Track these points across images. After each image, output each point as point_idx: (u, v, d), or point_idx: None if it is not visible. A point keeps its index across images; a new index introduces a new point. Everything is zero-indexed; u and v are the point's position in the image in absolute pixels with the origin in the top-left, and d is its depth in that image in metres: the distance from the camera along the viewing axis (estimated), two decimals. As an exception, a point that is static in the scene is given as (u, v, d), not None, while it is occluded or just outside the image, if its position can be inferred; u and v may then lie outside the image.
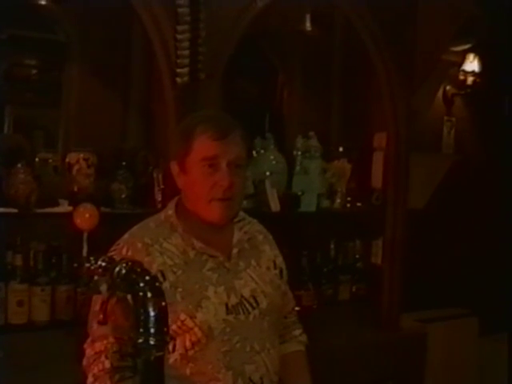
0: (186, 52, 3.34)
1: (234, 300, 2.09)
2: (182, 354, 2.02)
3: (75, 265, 3.38)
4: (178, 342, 2.01)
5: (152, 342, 1.37)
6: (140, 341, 1.37)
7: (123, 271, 1.45)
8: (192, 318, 2.01)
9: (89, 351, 2.04)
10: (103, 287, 1.53)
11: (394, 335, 4.51)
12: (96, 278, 1.55)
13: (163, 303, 1.40)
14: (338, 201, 4.41)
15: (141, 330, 1.37)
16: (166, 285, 1.98)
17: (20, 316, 3.29)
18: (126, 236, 2.15)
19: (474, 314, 5.30)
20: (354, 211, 4.52)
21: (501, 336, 5.37)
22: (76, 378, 3.01)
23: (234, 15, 3.55)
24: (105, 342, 1.99)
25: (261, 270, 2.23)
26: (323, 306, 4.31)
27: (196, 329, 2.00)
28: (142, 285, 1.41)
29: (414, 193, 4.68)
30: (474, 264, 5.50)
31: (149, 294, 1.39)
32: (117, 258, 1.92)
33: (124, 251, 2.06)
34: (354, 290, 4.51)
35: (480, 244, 5.58)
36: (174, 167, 2.16)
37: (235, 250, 2.18)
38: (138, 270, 1.45)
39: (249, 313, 2.11)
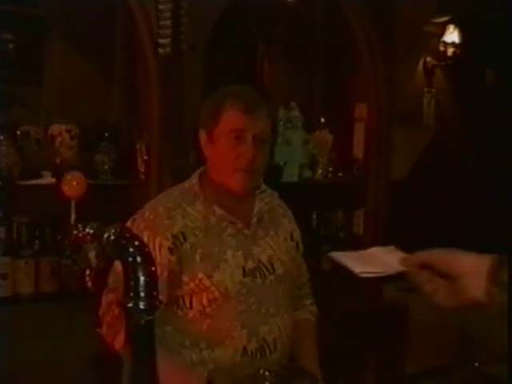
0: (168, 22, 3.34)
1: (251, 264, 2.19)
2: (200, 311, 2.13)
3: (59, 237, 3.38)
4: (194, 299, 2.14)
5: (142, 307, 1.37)
6: (130, 305, 1.37)
7: (112, 237, 1.45)
8: (209, 277, 2.12)
9: (103, 302, 2.09)
10: (92, 254, 1.54)
11: (377, 305, 4.55)
12: (85, 245, 1.55)
13: (153, 268, 1.40)
14: (320, 171, 4.43)
15: (131, 294, 1.37)
16: (186, 246, 2.13)
17: (4, 289, 3.30)
18: (151, 202, 2.27)
19: (455, 284, 5.35)
20: (335, 182, 4.53)
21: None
22: (61, 350, 3.06)
23: (217, -15, 3.55)
24: (117, 292, 1.98)
25: (278, 240, 2.31)
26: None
27: (213, 288, 2.12)
28: (131, 250, 1.40)
29: (395, 164, 4.70)
30: (455, 233, 5.54)
31: (138, 259, 1.39)
32: (140, 223, 2.15)
33: (146, 215, 2.18)
34: (336, 260, 4.52)
35: (461, 213, 5.63)
36: (203, 136, 2.24)
37: (254, 219, 2.26)
38: (127, 235, 1.44)
39: (265, 277, 2.21)
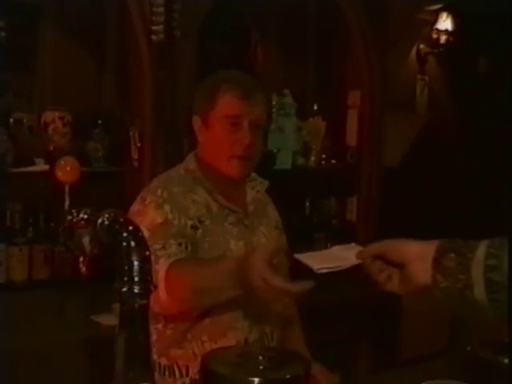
0: (161, 9, 3.34)
1: None
2: None
3: (52, 224, 3.38)
4: None
5: (136, 291, 1.38)
6: (124, 290, 1.38)
7: (106, 222, 1.45)
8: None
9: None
10: (86, 239, 1.54)
11: (369, 292, 4.55)
12: (78, 230, 1.55)
13: (147, 252, 1.41)
14: (313, 158, 4.44)
15: (125, 278, 1.38)
16: (199, 232, 2.08)
17: (-2, 276, 3.30)
18: (155, 183, 2.18)
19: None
20: (328, 169, 4.54)
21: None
22: (55, 336, 3.06)
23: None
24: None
25: (271, 229, 2.33)
26: (298, 263, 4.33)
27: None
28: (125, 235, 1.41)
29: (388, 151, 4.72)
30: (448, 221, 5.56)
31: (132, 244, 1.40)
32: (155, 199, 2.07)
33: (159, 192, 2.10)
34: (329, 247, 4.52)
35: (454, 201, 5.64)
36: (197, 121, 2.20)
37: (251, 208, 2.25)
38: (121, 220, 1.45)
39: None
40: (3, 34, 3.75)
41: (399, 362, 4.57)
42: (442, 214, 5.52)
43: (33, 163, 3.41)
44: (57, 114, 3.45)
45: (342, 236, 4.58)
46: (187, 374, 2.11)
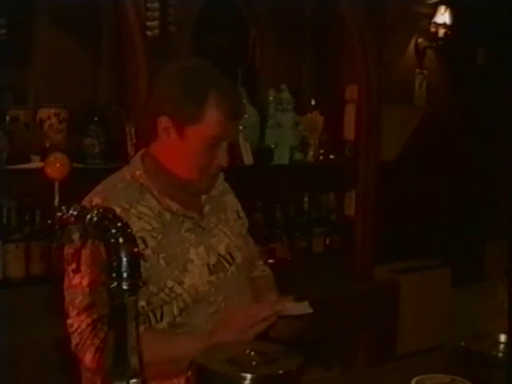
0: (156, 5, 3.34)
1: (213, 259, 2.05)
2: (170, 322, 1.97)
3: (49, 221, 3.38)
4: (165, 309, 1.96)
5: (125, 287, 1.38)
6: (113, 286, 1.38)
7: (95, 218, 1.45)
8: (180, 283, 1.95)
9: (79, 325, 1.90)
10: (75, 236, 1.53)
11: (368, 286, 4.57)
12: (69, 227, 1.55)
13: (135, 249, 1.40)
14: (311, 153, 4.43)
15: (113, 275, 1.38)
16: (148, 252, 1.91)
17: (-5, 273, 3.31)
18: (97, 200, 1.93)
19: (446, 265, 5.36)
20: (326, 163, 4.53)
21: (473, 287, 5.45)
22: (52, 332, 3.06)
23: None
24: (95, 309, 1.86)
25: (230, 224, 2.19)
26: (297, 258, 4.35)
27: (185, 295, 1.96)
28: (113, 231, 1.41)
29: (386, 145, 4.71)
30: (447, 215, 5.56)
31: (120, 240, 1.39)
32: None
33: None
34: (327, 242, 4.54)
35: (452, 195, 5.64)
36: (165, 123, 1.96)
37: (207, 208, 2.11)
38: (110, 216, 1.45)
39: (227, 270, 2.08)
40: (3, 31, 3.75)
41: (397, 357, 4.58)
42: (440, 208, 5.53)
43: (29, 160, 3.40)
44: (52, 110, 3.44)
45: (341, 231, 4.59)
46: None
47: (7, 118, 3.54)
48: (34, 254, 3.39)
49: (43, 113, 3.46)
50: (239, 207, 2.30)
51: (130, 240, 1.42)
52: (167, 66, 2.10)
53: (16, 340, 3.14)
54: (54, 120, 3.44)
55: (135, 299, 1.40)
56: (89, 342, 1.87)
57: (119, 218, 1.46)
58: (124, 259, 1.39)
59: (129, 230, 1.44)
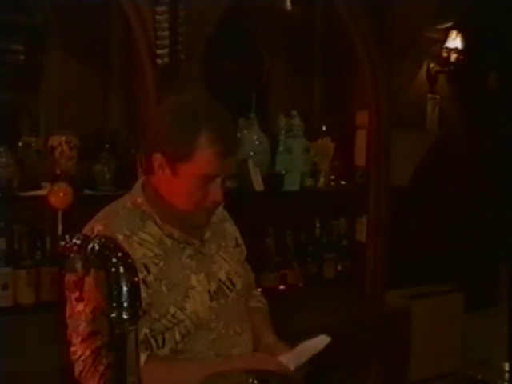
0: (166, 33, 3.35)
1: (213, 286, 2.06)
2: (172, 348, 1.98)
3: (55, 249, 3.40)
4: (167, 336, 1.96)
5: (125, 316, 1.39)
6: (113, 315, 1.39)
7: (97, 248, 1.47)
8: (182, 310, 1.96)
9: (83, 352, 1.89)
10: (78, 265, 1.55)
11: (379, 312, 4.55)
12: (72, 255, 1.56)
13: (135, 278, 1.42)
14: (322, 179, 4.43)
15: (114, 304, 1.39)
16: (150, 278, 1.92)
17: (5, 299, 3.30)
18: (99, 227, 1.95)
19: (459, 290, 5.33)
20: (338, 189, 4.53)
21: (487, 312, 5.42)
22: (61, 359, 3.06)
23: (213, -5, 3.57)
24: (99, 336, 1.85)
25: (229, 250, 2.20)
26: (308, 284, 4.34)
27: (187, 321, 1.97)
28: (114, 260, 1.42)
29: (397, 170, 4.70)
30: (459, 240, 5.54)
31: (121, 270, 1.41)
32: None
33: None
34: (339, 267, 4.53)
35: (464, 220, 5.62)
36: (160, 160, 1.96)
37: (208, 234, 2.12)
38: (111, 246, 1.46)
39: (227, 296, 2.10)
40: (22, 57, 3.80)
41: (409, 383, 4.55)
42: (453, 233, 5.50)
43: (40, 187, 3.43)
44: (63, 138, 3.46)
45: (352, 256, 4.58)
46: None
47: (20, 144, 3.57)
48: (44, 280, 3.39)
49: (54, 140, 3.48)
50: (238, 234, 2.31)
51: (131, 270, 1.43)
52: (165, 101, 2.13)
53: (26, 366, 3.15)
54: (64, 147, 3.46)
55: (135, 328, 1.41)
56: (93, 369, 1.87)
57: (120, 248, 1.47)
58: (124, 289, 1.41)
59: (129, 260, 1.45)
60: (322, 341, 2.00)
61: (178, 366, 1.98)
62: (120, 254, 1.44)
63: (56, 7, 3.74)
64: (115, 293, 1.41)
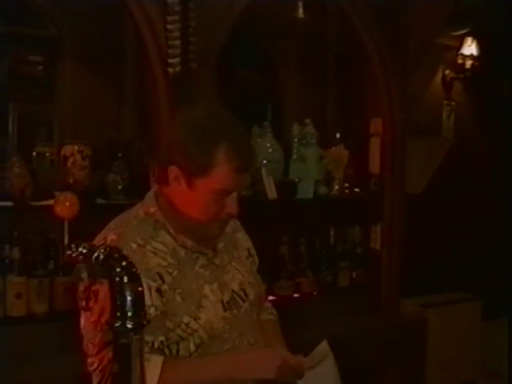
0: (177, 42, 3.36)
1: (227, 296, 2.06)
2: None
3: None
4: (181, 346, 1.96)
5: (129, 326, 1.39)
6: (117, 325, 1.38)
7: (101, 257, 1.46)
8: (196, 319, 1.96)
9: (100, 362, 1.89)
10: (84, 274, 1.55)
11: (394, 320, 4.52)
12: (78, 265, 1.56)
13: (139, 288, 1.41)
14: (336, 187, 4.41)
15: (118, 314, 1.39)
16: (164, 287, 1.92)
17: (18, 308, 3.32)
18: (112, 236, 1.96)
19: (476, 299, 5.30)
20: (352, 197, 4.52)
21: (504, 321, 5.38)
22: (75, 368, 3.06)
23: (225, 3, 3.57)
24: None
25: (242, 261, 2.21)
26: (323, 292, 4.33)
27: (201, 330, 1.96)
28: (118, 270, 1.42)
29: (413, 177, 4.68)
30: (476, 248, 5.50)
31: (125, 279, 1.40)
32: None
33: None
34: (353, 276, 4.51)
35: (481, 228, 5.58)
36: (175, 172, 1.95)
37: (221, 245, 2.13)
38: (116, 255, 1.46)
39: (240, 307, 2.09)
40: (40, 67, 3.82)
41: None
42: (469, 241, 5.46)
43: (53, 196, 3.43)
44: (76, 147, 3.47)
45: (367, 264, 4.56)
46: None
47: (34, 154, 3.59)
48: (57, 289, 3.41)
49: (67, 150, 3.50)
50: (250, 244, 2.32)
51: (135, 279, 1.43)
52: (181, 113, 2.11)
53: (38, 376, 3.16)
54: (77, 157, 3.47)
55: (140, 338, 1.40)
56: (111, 378, 1.83)
57: (125, 257, 1.46)
58: (128, 298, 1.40)
59: (134, 270, 1.44)
60: (324, 346, 2.00)
61: (196, 363, 1.98)
62: (124, 264, 1.44)
63: (69, 18, 3.76)
64: (119, 302, 1.40)
